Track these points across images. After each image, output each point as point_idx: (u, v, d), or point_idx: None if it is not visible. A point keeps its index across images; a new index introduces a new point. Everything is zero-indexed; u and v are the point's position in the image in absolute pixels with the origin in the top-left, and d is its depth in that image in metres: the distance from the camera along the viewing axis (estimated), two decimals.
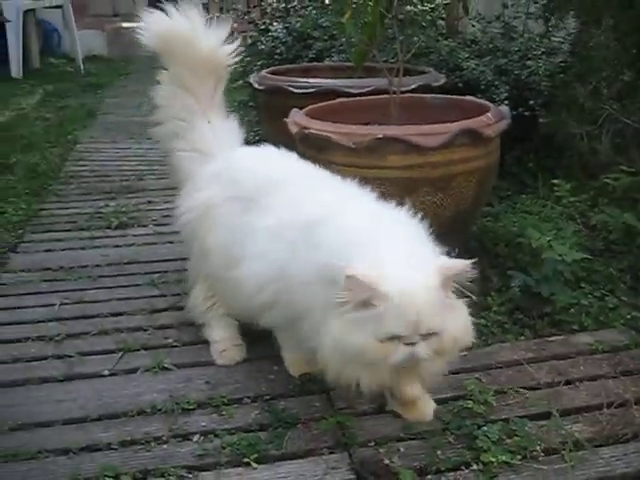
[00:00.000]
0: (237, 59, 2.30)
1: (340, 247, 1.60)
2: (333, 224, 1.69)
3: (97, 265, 2.82)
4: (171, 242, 3.04)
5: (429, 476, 1.61)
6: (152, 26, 2.23)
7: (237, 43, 2.27)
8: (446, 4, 4.73)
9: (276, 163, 2.06)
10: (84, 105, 6.22)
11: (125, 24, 14.37)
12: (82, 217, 3.39)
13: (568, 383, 1.98)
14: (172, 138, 2.29)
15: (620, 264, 2.62)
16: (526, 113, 3.61)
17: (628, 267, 2.60)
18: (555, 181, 3.11)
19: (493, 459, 1.65)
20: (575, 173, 3.53)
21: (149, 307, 2.44)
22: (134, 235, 3.17)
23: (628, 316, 2.30)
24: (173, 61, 2.26)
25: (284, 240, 1.77)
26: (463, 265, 1.56)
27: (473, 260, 1.57)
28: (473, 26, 5.00)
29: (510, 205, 3.34)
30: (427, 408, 1.82)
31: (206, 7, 9.78)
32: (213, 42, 2.23)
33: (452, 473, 1.63)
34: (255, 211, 1.91)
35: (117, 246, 3.04)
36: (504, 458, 1.66)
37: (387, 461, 1.64)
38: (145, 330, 2.29)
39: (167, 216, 3.33)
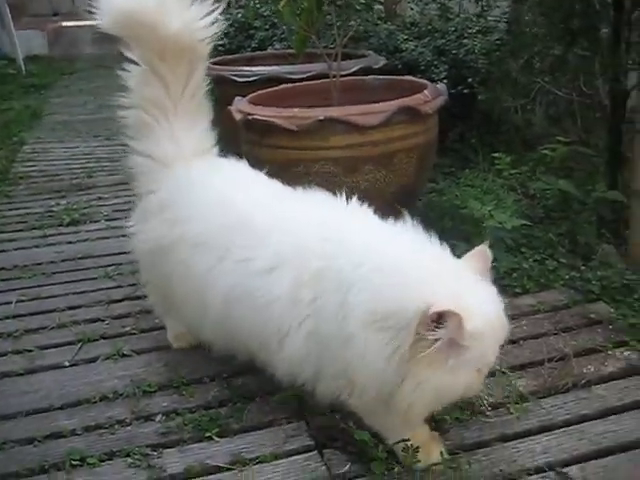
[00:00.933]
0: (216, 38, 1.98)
1: (388, 288, 1.45)
2: (362, 271, 1.49)
3: (51, 262, 2.84)
4: (124, 235, 3.03)
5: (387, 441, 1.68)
6: (111, 3, 1.90)
7: (215, 16, 1.94)
8: None
9: (247, 193, 1.80)
10: (28, 106, 6.14)
11: (65, 23, 14.16)
12: (33, 216, 3.39)
13: (513, 342, 2.07)
14: (133, 132, 2.01)
15: (559, 229, 2.75)
16: (465, 91, 3.73)
17: (566, 232, 2.72)
18: (495, 155, 3.23)
19: (446, 416, 1.75)
20: (515, 146, 3.67)
21: (106, 298, 2.48)
22: (87, 231, 3.19)
23: (567, 277, 2.42)
24: (137, 43, 1.94)
25: (301, 302, 1.57)
26: (485, 253, 1.56)
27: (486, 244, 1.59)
28: (412, 9, 5.12)
29: (454, 180, 3.45)
30: (434, 451, 1.63)
31: None
32: (184, 19, 1.89)
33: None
34: (229, 262, 1.68)
35: (70, 242, 3.06)
36: (455, 415, 1.76)
37: (343, 425, 1.72)
38: (103, 321, 2.33)
39: (118, 211, 3.39)
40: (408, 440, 1.58)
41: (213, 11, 1.93)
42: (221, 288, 1.68)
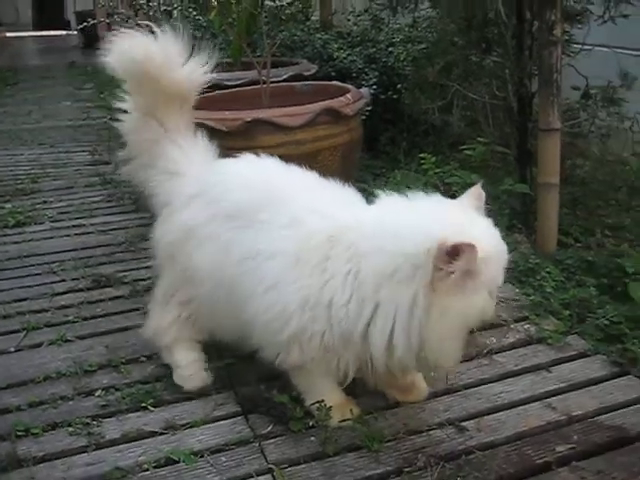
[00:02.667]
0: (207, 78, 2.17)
1: (397, 236, 1.58)
2: (368, 231, 1.64)
3: None
4: (68, 235, 3.22)
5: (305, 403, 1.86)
6: (127, 50, 2.03)
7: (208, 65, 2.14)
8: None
9: (267, 174, 1.92)
10: None
11: (9, 34, 14.11)
12: None
13: None
14: (144, 169, 2.11)
15: None
16: (394, 96, 3.97)
17: None
18: (421, 155, 3.46)
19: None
20: (442, 148, 3.92)
21: (50, 291, 2.62)
22: (32, 232, 3.31)
23: None
24: (142, 89, 2.08)
25: (306, 264, 1.66)
26: (479, 190, 1.70)
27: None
28: (348, 20, 5.36)
29: (383, 180, 3.66)
30: (424, 387, 1.91)
31: (93, 13, 9.78)
32: (188, 69, 2.10)
33: None
34: (252, 229, 1.78)
35: (16, 242, 3.18)
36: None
37: (267, 394, 1.90)
38: (47, 311, 2.47)
39: (62, 213, 3.54)
40: (323, 401, 1.77)
41: (207, 62, 2.14)
42: (239, 247, 1.78)
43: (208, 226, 1.86)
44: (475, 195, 1.70)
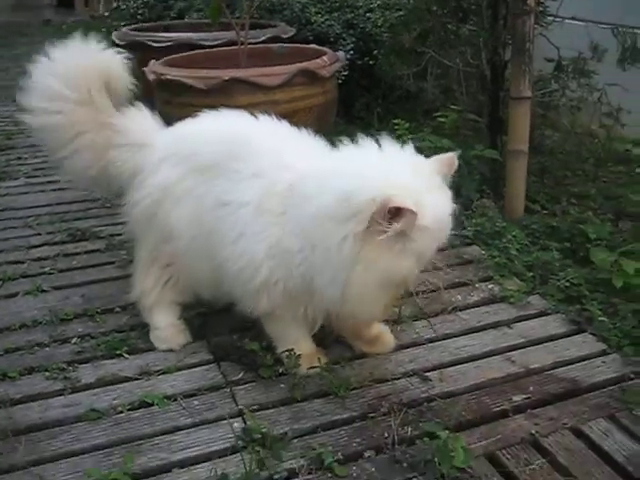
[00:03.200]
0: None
1: (345, 180, 1.59)
2: (321, 176, 1.66)
3: None
4: (42, 191, 3.25)
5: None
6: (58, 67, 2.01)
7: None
8: None
9: (234, 126, 1.92)
10: None
11: None
12: None
13: None
14: (96, 158, 2.06)
15: None
16: (371, 62, 4.01)
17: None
18: (395, 121, 3.51)
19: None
20: (416, 115, 3.97)
21: (26, 244, 2.66)
22: (7, 187, 3.33)
23: None
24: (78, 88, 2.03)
25: (269, 213, 1.72)
26: (454, 159, 1.68)
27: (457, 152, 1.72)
28: None
29: None
30: (391, 339, 2.00)
31: None
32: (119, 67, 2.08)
33: None
34: (223, 178, 1.82)
35: None
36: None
37: (239, 343, 1.97)
38: (23, 263, 2.51)
39: (37, 169, 3.56)
40: (292, 350, 1.84)
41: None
42: (212, 197, 1.82)
43: (182, 182, 1.90)
44: (446, 162, 1.69)
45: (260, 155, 1.80)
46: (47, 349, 2.00)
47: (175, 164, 1.92)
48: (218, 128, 1.94)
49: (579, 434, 1.66)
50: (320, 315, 1.79)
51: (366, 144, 1.69)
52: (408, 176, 1.59)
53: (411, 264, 1.61)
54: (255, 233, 1.72)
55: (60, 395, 1.80)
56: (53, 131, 2.04)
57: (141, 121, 2.09)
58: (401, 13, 4.15)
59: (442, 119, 3.48)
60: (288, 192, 1.71)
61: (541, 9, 3.06)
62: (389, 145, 1.67)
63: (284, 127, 1.91)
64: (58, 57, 2.03)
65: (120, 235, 2.64)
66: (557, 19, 3.05)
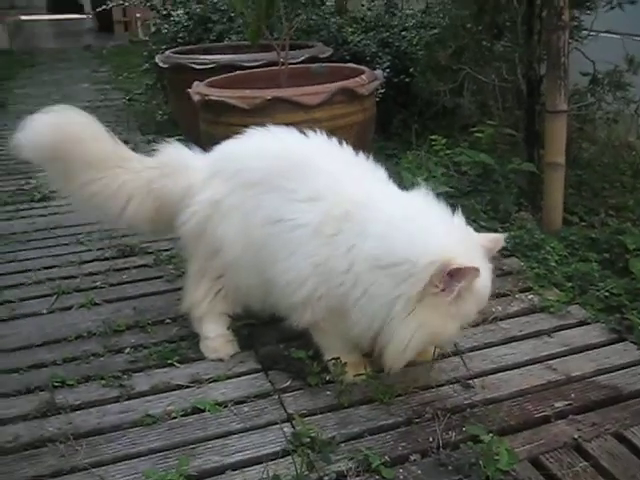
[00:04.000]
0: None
1: (406, 236, 1.70)
2: (381, 216, 1.76)
3: (25, 232, 3.12)
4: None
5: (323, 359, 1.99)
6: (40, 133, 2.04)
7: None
8: None
9: (282, 142, 1.99)
10: None
11: (23, 17, 14.23)
12: (5, 194, 3.65)
13: None
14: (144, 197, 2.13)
15: (483, 199, 3.10)
16: (407, 80, 4.08)
17: (489, 201, 3.07)
18: (433, 137, 3.57)
19: None
20: (453, 131, 4.02)
21: (78, 260, 2.77)
22: (56, 206, 3.45)
23: None
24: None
25: (322, 235, 1.79)
26: (500, 240, 1.85)
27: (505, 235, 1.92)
28: (362, 5, 5.46)
29: (395, 161, 3.78)
30: (432, 349, 1.99)
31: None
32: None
33: None
34: (273, 194, 1.88)
35: (42, 215, 3.33)
36: None
37: (286, 352, 2.03)
38: (75, 277, 2.61)
39: None
40: (338, 358, 1.90)
41: None
42: (263, 212, 1.89)
43: (230, 197, 1.96)
44: (492, 239, 1.82)
45: (315, 176, 1.86)
46: (102, 359, 2.09)
47: (224, 180, 1.99)
48: (266, 144, 2.01)
49: (622, 439, 1.69)
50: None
51: (418, 193, 1.82)
52: (463, 242, 1.72)
53: (457, 326, 1.74)
54: (306, 253, 1.80)
55: (116, 402, 1.89)
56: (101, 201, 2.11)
57: (169, 150, 2.16)
58: (436, 31, 4.22)
59: (479, 134, 3.52)
60: (344, 217, 1.78)
61: (575, 24, 3.10)
62: (441, 209, 1.79)
63: (332, 145, 1.99)
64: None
65: (167, 251, 2.75)
66: (592, 33, 3.09)
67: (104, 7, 6.25)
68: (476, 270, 1.62)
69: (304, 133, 2.00)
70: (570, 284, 2.43)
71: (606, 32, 3.18)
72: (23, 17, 14.41)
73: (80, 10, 15.84)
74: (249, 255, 1.94)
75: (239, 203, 1.95)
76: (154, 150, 2.19)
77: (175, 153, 2.16)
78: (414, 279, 1.64)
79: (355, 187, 1.84)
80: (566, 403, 1.83)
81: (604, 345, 2.10)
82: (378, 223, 1.74)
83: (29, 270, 2.68)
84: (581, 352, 2.07)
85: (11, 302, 2.44)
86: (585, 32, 3.11)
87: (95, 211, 2.19)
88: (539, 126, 3.06)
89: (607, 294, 2.34)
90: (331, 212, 1.80)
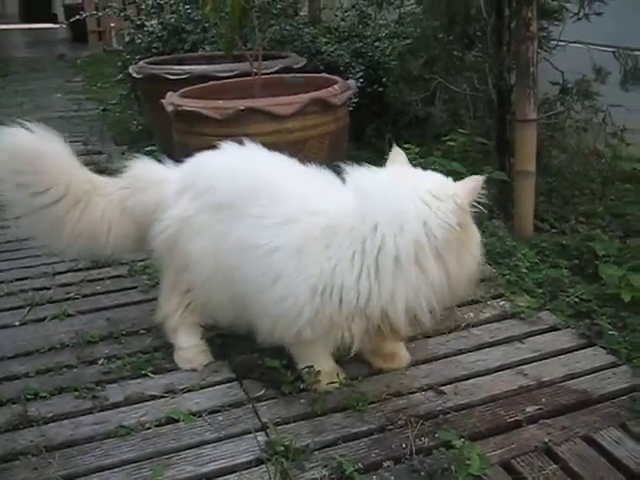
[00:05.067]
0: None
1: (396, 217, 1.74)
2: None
3: None
4: None
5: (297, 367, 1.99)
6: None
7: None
8: None
9: (249, 163, 2.00)
10: None
11: None
12: None
13: None
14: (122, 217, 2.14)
15: None
16: (380, 89, 4.11)
17: None
18: (406, 145, 3.60)
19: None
20: (425, 139, 4.06)
21: (51, 271, 2.75)
22: None
23: None
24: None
25: (310, 254, 1.77)
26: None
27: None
28: (336, 15, 5.50)
29: None
30: (406, 355, 2.08)
31: (81, 6, 9.86)
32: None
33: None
34: (243, 222, 1.88)
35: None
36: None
37: (260, 361, 2.04)
38: (48, 289, 2.60)
39: None
40: (312, 366, 1.92)
41: None
42: (234, 239, 1.89)
43: (198, 217, 1.97)
44: (469, 187, 1.80)
45: (284, 200, 1.86)
46: (75, 370, 2.08)
47: (193, 197, 2.00)
48: (234, 164, 2.02)
49: (591, 442, 1.72)
50: (358, 338, 1.86)
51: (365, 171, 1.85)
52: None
53: (470, 269, 1.82)
54: (293, 275, 1.78)
55: (90, 413, 1.88)
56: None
57: (146, 165, 2.18)
58: (408, 41, 4.26)
59: (451, 143, 3.56)
60: (326, 232, 1.78)
61: (544, 34, 3.16)
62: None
63: (298, 165, 2.00)
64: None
65: (141, 261, 2.74)
66: (560, 43, 3.15)
67: (78, 17, 6.23)
68: (475, 181, 1.79)
69: (269, 150, 2.02)
70: (541, 290, 2.47)
71: (574, 42, 3.25)
72: None
73: (54, 19, 15.75)
74: (219, 276, 1.95)
75: (208, 224, 1.96)
76: (125, 167, 2.18)
77: (145, 168, 2.17)
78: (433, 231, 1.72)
79: (327, 204, 1.83)
80: (537, 408, 1.86)
81: (574, 350, 2.14)
82: (365, 224, 1.75)
83: (1, 282, 2.66)
84: (552, 357, 2.10)
85: None
86: (553, 42, 3.17)
87: (80, 251, 2.20)
88: (510, 135, 3.10)
89: (577, 300, 2.38)
90: (311, 234, 1.78)
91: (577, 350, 2.14)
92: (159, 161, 2.20)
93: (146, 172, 2.16)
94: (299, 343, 1.91)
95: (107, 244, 2.14)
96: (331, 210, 1.82)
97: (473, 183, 1.79)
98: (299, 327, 1.81)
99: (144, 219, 2.10)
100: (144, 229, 2.11)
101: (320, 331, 1.83)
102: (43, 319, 2.38)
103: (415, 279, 1.73)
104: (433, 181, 1.84)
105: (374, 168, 1.87)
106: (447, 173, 3.15)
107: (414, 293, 1.74)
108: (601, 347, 2.14)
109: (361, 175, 1.85)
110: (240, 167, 2.00)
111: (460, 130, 3.60)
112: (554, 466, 1.63)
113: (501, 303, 2.42)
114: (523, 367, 2.05)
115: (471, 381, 1.99)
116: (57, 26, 14.99)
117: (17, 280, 2.68)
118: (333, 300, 1.77)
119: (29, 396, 1.94)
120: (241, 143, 2.06)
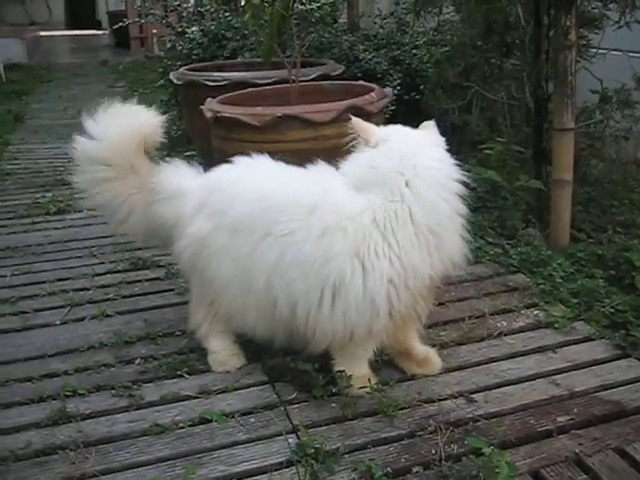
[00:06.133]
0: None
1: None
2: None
3: (40, 244, 3.18)
4: (104, 223, 3.38)
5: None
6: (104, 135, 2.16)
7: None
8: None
9: (263, 181, 2.00)
10: (10, 111, 6.44)
11: (43, 33, 14.45)
12: (21, 207, 3.73)
13: (440, 304, 2.42)
14: (144, 215, 2.19)
15: (491, 216, 3.13)
16: (417, 97, 4.13)
17: (497, 217, 3.11)
18: None
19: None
20: (462, 147, 4.05)
21: (91, 272, 2.82)
22: (71, 219, 3.53)
23: (492, 253, 2.82)
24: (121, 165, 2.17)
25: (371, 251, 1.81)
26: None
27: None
28: (374, 23, 5.52)
29: None
30: (438, 362, 2.10)
31: (124, 13, 10.04)
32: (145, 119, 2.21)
33: None
34: (272, 242, 1.88)
35: (56, 228, 3.40)
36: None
37: (292, 365, 2.07)
38: (88, 290, 2.67)
39: None
40: (344, 371, 1.94)
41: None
42: (267, 261, 1.88)
43: (215, 239, 1.98)
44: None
45: (309, 212, 1.85)
46: (113, 369, 2.13)
47: (207, 217, 2.01)
48: (246, 186, 2.00)
49: (623, 454, 1.71)
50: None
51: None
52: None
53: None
54: (358, 284, 1.80)
55: (126, 411, 1.93)
56: (105, 197, 2.21)
57: (174, 173, 2.18)
58: (446, 49, 4.27)
59: (488, 151, 3.56)
60: (377, 226, 1.83)
61: (583, 42, 3.14)
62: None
63: (306, 173, 1.99)
64: (103, 124, 2.17)
65: (178, 265, 2.78)
66: (600, 51, 3.12)
67: (121, 24, 6.36)
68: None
69: (287, 166, 2.05)
70: (576, 300, 2.45)
71: (615, 50, 3.22)
72: (42, 33, 14.65)
73: (98, 26, 16.09)
74: (252, 299, 1.95)
75: (230, 246, 1.96)
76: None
77: (172, 177, 2.17)
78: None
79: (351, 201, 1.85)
80: (568, 418, 1.85)
81: (608, 361, 2.12)
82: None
83: (43, 282, 2.74)
84: (585, 368, 2.09)
85: (25, 313, 2.49)
86: (593, 50, 3.14)
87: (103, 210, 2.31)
88: (547, 143, 3.09)
89: (612, 310, 2.36)
90: (355, 235, 1.81)
91: (611, 361, 2.12)
92: (197, 165, 2.23)
93: (171, 182, 2.15)
94: (349, 346, 1.93)
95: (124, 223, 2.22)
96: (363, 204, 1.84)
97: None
98: (381, 320, 1.84)
99: (162, 229, 2.15)
100: (161, 235, 2.19)
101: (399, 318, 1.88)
102: (83, 319, 2.44)
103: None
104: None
105: None
106: (483, 181, 3.21)
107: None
108: (636, 359, 2.12)
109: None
110: (252, 190, 1.98)
111: (497, 138, 3.60)
112: (584, 477, 1.62)
113: (535, 312, 2.41)
114: (556, 377, 2.04)
115: (502, 389, 1.99)
116: (101, 33, 15.31)
117: (59, 280, 2.76)
118: (408, 285, 1.82)
119: (68, 393, 2.00)
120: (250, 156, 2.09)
